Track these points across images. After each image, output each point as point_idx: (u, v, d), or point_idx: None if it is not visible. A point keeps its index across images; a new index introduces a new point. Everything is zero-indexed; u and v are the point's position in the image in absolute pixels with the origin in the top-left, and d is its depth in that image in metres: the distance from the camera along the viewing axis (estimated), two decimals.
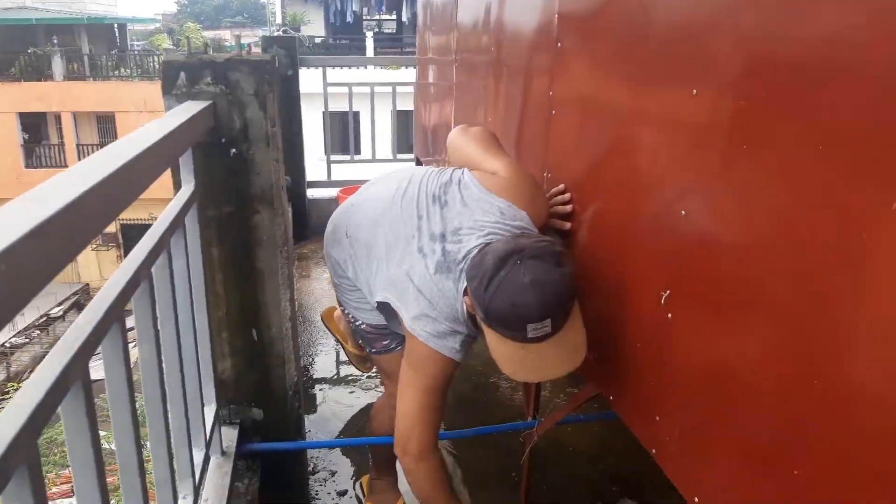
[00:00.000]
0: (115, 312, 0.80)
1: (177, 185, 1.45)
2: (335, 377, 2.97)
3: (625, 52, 1.31)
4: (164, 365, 1.09)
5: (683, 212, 1.10)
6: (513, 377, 1.34)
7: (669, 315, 1.15)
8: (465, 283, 1.35)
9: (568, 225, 1.56)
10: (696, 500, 1.11)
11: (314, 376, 2.96)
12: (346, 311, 1.75)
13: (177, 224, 1.19)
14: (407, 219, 1.49)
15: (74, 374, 0.67)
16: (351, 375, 2.94)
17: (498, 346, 1.28)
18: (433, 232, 1.44)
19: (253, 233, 1.59)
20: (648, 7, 1.21)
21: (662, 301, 1.17)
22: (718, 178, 1.01)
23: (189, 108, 1.41)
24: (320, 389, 2.86)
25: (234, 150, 1.54)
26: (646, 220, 1.25)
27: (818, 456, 0.81)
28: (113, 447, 0.91)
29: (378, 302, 1.54)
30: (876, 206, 0.71)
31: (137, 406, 0.92)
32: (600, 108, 1.44)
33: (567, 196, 1.57)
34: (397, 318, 1.50)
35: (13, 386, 8.51)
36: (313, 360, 3.14)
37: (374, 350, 1.76)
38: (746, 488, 0.97)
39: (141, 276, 0.93)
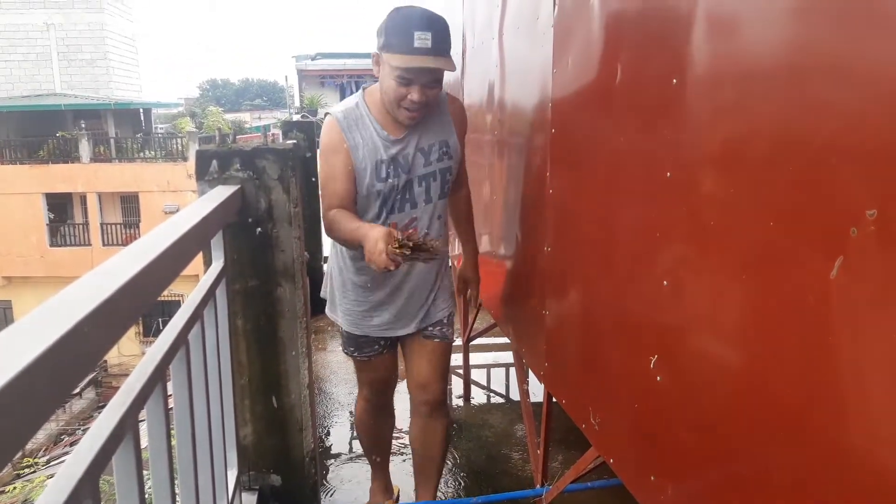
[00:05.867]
0: (159, 374, 0.92)
1: (207, 262, 1.58)
2: (349, 451, 3.02)
3: (609, 137, 1.46)
4: (195, 429, 1.19)
5: (665, 282, 1.21)
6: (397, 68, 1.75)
7: (658, 378, 1.25)
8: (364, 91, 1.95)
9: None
10: None
11: (330, 449, 3.01)
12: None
13: (209, 297, 1.31)
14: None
15: (127, 426, 0.78)
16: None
17: (389, 67, 1.77)
18: None
19: (275, 305, 1.71)
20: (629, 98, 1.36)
21: (652, 365, 1.27)
22: (694, 253, 1.13)
23: (220, 193, 1.56)
24: (334, 463, 2.91)
25: (259, 230, 1.69)
26: (633, 291, 1.36)
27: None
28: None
29: None
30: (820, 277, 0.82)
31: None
32: (589, 189, 1.58)
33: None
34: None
35: (28, 461, 8.49)
36: (328, 431, 3.20)
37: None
38: None
39: (180, 342, 1.05)
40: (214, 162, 1.68)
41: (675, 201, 1.18)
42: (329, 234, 1.89)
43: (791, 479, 0.90)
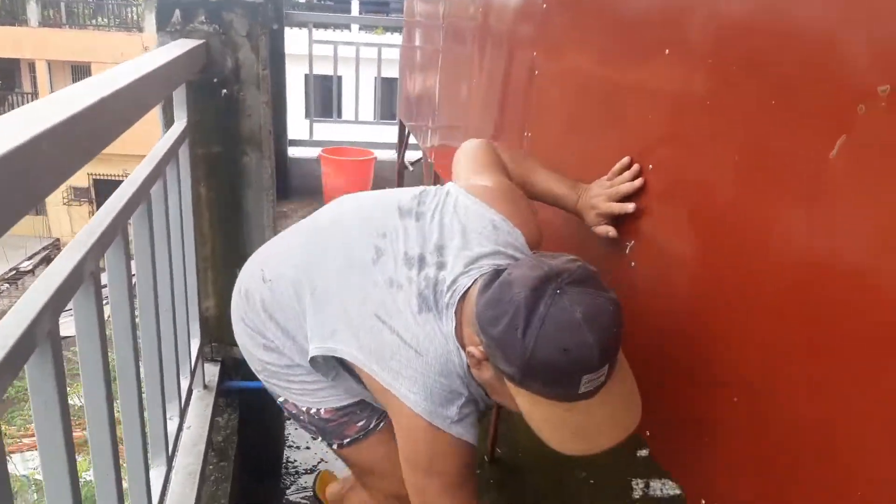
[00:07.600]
0: (120, 222, 0.86)
1: (169, 122, 1.48)
2: None
3: (605, 19, 1.37)
4: (157, 291, 1.14)
5: (651, 166, 1.17)
6: (560, 449, 0.96)
7: (633, 263, 1.23)
8: (453, 323, 1.04)
9: (631, 207, 1.17)
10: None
11: None
12: (289, 405, 1.27)
13: (171, 155, 1.23)
14: (361, 238, 1.11)
15: (86, 271, 0.72)
16: None
17: (535, 409, 0.94)
18: (408, 254, 1.08)
19: (241, 174, 1.63)
20: None
21: (627, 251, 1.25)
22: (684, 131, 1.09)
23: (183, 45, 1.44)
24: None
25: (224, 91, 1.58)
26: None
27: (795, 440, 0.89)
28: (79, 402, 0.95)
29: (318, 357, 1.11)
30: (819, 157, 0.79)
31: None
32: (581, 72, 1.50)
33: (635, 170, 1.17)
34: (356, 379, 1.13)
35: None
36: None
37: (348, 440, 1.28)
38: (724, 458, 1.06)
39: (141, 195, 0.98)
40: (177, 11, 1.55)
41: (668, 78, 1.12)
42: None
43: (764, 358, 0.90)
